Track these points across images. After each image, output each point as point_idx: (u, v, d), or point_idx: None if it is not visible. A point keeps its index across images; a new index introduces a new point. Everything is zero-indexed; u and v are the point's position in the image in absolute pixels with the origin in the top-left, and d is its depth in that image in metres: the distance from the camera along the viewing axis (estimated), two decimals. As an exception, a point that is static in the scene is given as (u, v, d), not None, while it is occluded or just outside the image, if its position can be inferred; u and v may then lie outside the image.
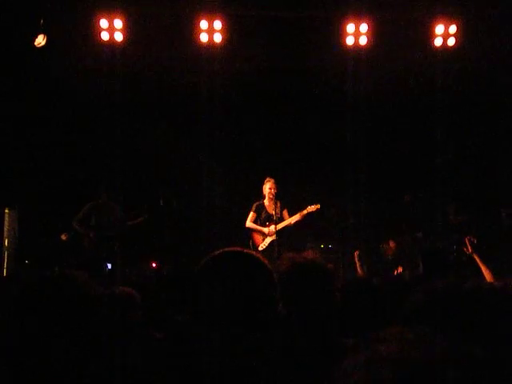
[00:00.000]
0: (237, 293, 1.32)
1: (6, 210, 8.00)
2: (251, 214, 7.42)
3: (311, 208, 7.26)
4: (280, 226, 7.20)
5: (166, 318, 2.87)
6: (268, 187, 7.28)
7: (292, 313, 1.81)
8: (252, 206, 7.45)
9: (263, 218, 7.36)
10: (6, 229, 7.97)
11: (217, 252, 1.41)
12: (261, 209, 7.40)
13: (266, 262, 1.42)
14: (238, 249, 1.43)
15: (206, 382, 1.31)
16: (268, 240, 7.31)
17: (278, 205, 7.31)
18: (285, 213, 7.33)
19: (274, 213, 7.16)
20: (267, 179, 7.35)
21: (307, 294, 1.91)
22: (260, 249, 7.26)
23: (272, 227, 7.22)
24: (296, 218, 7.25)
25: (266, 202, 7.37)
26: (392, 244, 8.03)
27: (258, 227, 7.38)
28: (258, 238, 7.41)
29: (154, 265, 8.33)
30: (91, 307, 1.42)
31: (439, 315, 0.83)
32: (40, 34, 7.51)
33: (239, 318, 1.31)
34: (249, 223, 7.43)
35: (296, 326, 1.76)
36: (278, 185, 7.31)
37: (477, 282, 0.89)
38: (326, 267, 2.02)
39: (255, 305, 1.33)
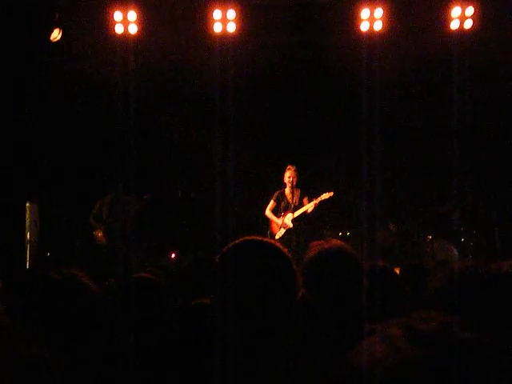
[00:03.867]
0: (257, 281, 1.34)
1: (28, 204, 8.12)
2: (271, 203, 7.52)
3: (324, 196, 7.28)
4: (296, 214, 7.25)
5: (185, 307, 2.90)
6: (287, 176, 7.30)
7: (318, 300, 1.84)
8: (273, 194, 7.52)
9: (282, 207, 7.43)
10: (27, 222, 8.10)
11: (237, 241, 1.43)
12: (281, 197, 7.46)
13: (285, 250, 1.45)
14: (258, 238, 1.44)
15: (225, 369, 1.33)
16: (285, 228, 7.37)
17: (298, 193, 7.36)
18: (305, 200, 7.36)
19: (291, 202, 7.22)
20: (288, 167, 7.36)
21: (335, 280, 1.95)
22: (277, 237, 7.35)
23: (286, 218, 7.28)
24: (310, 206, 7.28)
25: (287, 190, 7.40)
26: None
27: (274, 217, 7.46)
28: (275, 226, 7.51)
29: (173, 255, 8.41)
30: (89, 306, 1.46)
31: (458, 298, 0.84)
32: (55, 28, 7.58)
33: (260, 306, 1.33)
34: (267, 212, 7.55)
35: (322, 313, 1.78)
36: (299, 172, 7.35)
37: (497, 265, 0.89)
38: (353, 253, 2.07)
39: (275, 293, 1.35)
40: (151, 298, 1.97)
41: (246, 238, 1.44)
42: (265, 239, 1.44)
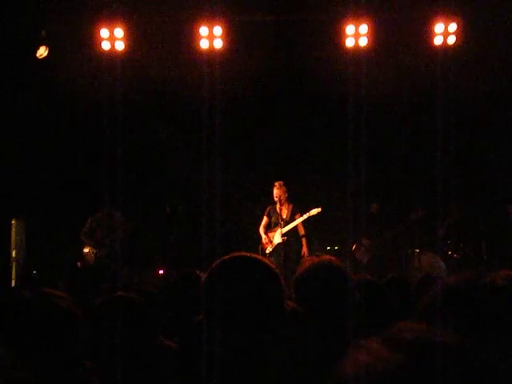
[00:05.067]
0: (245, 296, 1.35)
1: (13, 221, 8.05)
2: (264, 219, 7.62)
3: (313, 212, 7.36)
4: (284, 229, 7.28)
5: (174, 323, 2.89)
6: (274, 194, 7.35)
7: (309, 313, 1.85)
8: (265, 210, 7.58)
9: (273, 222, 7.50)
10: (13, 239, 8.01)
11: (225, 257, 1.44)
12: (272, 213, 7.52)
13: (273, 265, 1.46)
14: (246, 254, 1.45)
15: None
16: (274, 243, 7.44)
17: (290, 208, 7.40)
18: (297, 216, 7.43)
19: (279, 217, 7.27)
20: (274, 184, 7.41)
21: (326, 294, 1.97)
22: (267, 252, 7.43)
23: (276, 234, 7.35)
24: (298, 221, 7.35)
25: (277, 205, 7.44)
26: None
27: (262, 234, 7.55)
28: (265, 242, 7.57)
29: (161, 272, 8.35)
30: (68, 326, 1.46)
31: (452, 312, 0.85)
32: (42, 45, 7.58)
33: (248, 321, 1.34)
34: (260, 229, 7.65)
35: (313, 326, 1.79)
36: (287, 187, 7.39)
37: (491, 278, 0.89)
38: (343, 268, 2.09)
39: (263, 307, 1.35)
40: (129, 317, 1.97)
41: (234, 253, 1.45)
42: (253, 255, 1.45)
